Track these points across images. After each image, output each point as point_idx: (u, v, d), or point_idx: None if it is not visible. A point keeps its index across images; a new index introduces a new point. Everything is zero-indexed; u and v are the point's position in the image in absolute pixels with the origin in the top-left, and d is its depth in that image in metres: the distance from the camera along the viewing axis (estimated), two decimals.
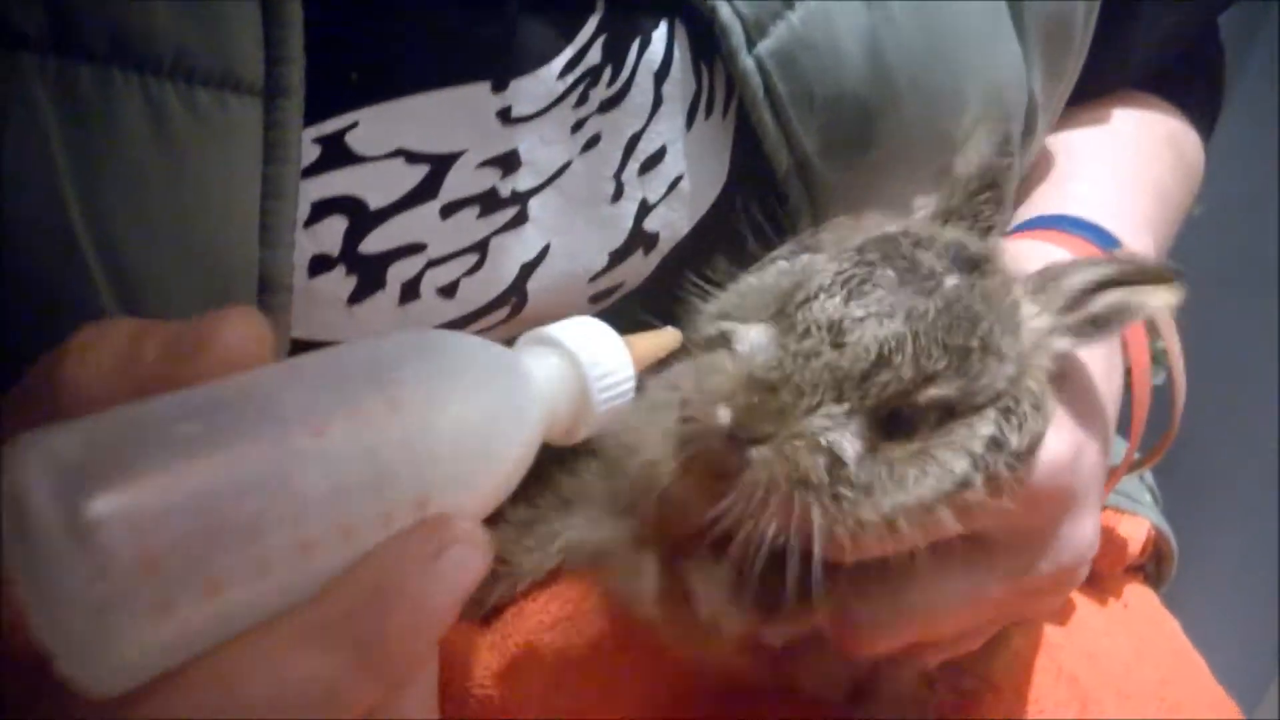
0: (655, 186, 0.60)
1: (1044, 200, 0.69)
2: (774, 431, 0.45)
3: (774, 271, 0.52)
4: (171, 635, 0.31)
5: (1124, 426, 0.64)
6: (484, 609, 0.68)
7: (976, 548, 0.51)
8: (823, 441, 0.45)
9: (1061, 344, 0.51)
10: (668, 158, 0.60)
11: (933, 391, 0.46)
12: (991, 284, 0.49)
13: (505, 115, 0.55)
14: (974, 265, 0.49)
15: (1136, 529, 0.76)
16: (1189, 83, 0.84)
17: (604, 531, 0.56)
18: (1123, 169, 0.73)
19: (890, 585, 0.51)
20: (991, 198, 0.54)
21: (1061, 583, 0.55)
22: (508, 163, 0.56)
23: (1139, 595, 0.77)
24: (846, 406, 0.45)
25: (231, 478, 0.32)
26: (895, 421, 0.46)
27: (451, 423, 0.36)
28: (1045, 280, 0.51)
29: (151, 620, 0.30)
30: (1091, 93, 0.74)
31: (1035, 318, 0.50)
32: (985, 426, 0.47)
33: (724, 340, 0.48)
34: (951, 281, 0.48)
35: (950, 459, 0.47)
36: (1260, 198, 1.29)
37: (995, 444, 0.47)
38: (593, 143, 0.58)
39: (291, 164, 0.49)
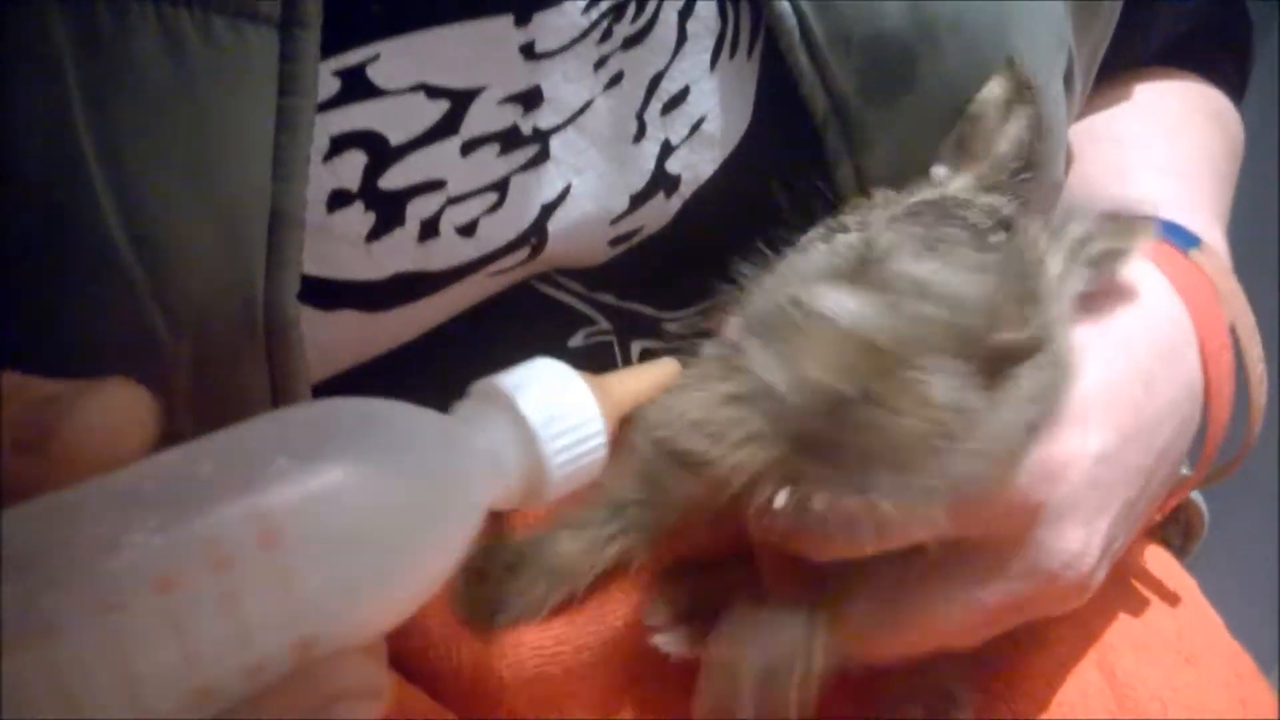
0: (678, 127, 0.60)
1: (1108, 196, 0.69)
2: (885, 390, 0.43)
3: (818, 253, 0.50)
4: None
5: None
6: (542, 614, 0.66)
7: (953, 556, 0.52)
8: (951, 400, 0.44)
9: (1076, 286, 0.52)
10: (691, 98, 0.59)
11: (1013, 339, 0.46)
12: (1027, 240, 0.50)
13: (528, 50, 0.54)
14: (1008, 226, 0.50)
15: None
16: (1218, 56, 0.83)
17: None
18: (1179, 155, 0.72)
19: (883, 593, 0.52)
20: (1031, 177, 0.55)
21: (1058, 593, 0.54)
22: (530, 99, 0.55)
23: (1155, 555, 0.77)
24: (969, 363, 0.44)
25: (46, 662, 0.26)
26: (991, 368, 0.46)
27: (343, 544, 0.30)
28: (1053, 232, 0.52)
29: None
30: (1123, 64, 0.73)
31: (1054, 267, 0.51)
32: (1047, 372, 0.48)
33: (797, 308, 0.45)
34: (998, 238, 0.48)
35: (1027, 394, 0.47)
36: (1261, 200, 1.27)
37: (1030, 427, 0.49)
38: (615, 80, 0.57)
39: (307, 97, 0.49)
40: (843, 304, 0.44)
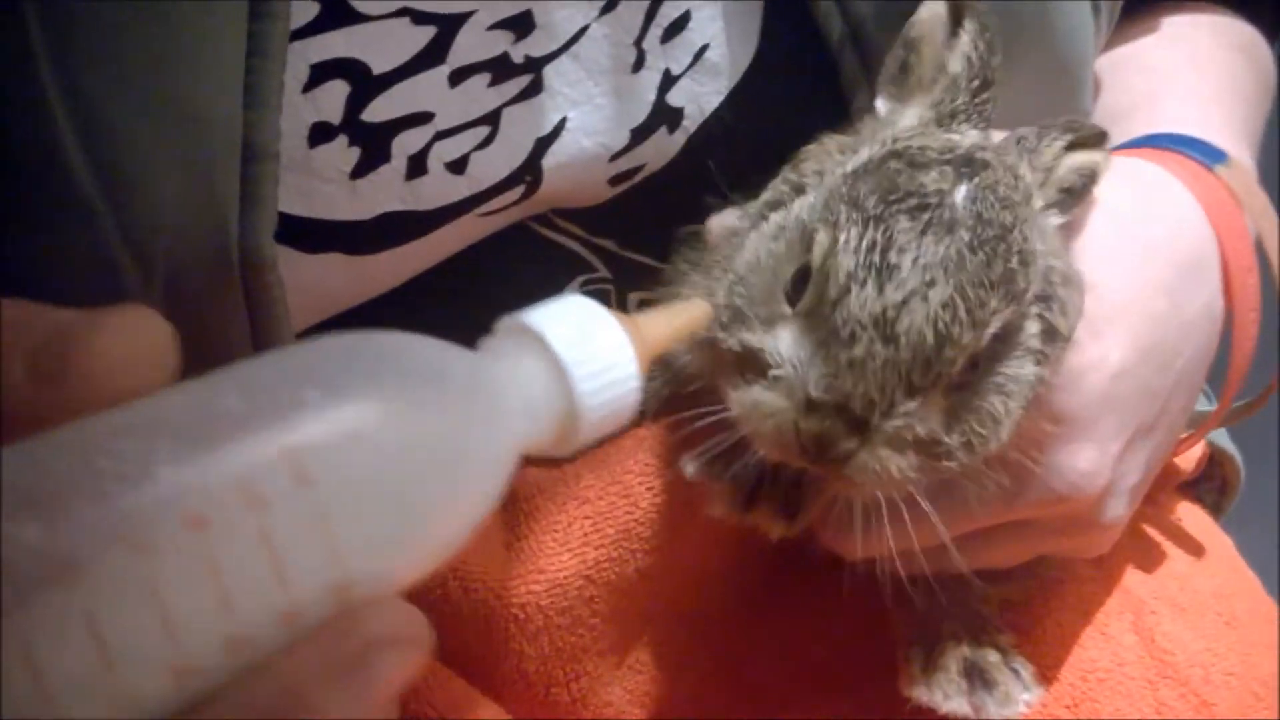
0: (679, 56, 0.56)
1: (1135, 122, 0.66)
2: (855, 449, 0.43)
3: (769, 233, 0.48)
4: None
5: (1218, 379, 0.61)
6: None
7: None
8: (909, 437, 0.43)
9: (1055, 220, 0.50)
10: (692, 24, 0.56)
11: (991, 330, 0.44)
12: (998, 177, 0.46)
13: None
14: (974, 164, 0.46)
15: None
16: None
17: None
18: (1207, 83, 0.70)
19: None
20: (991, 95, 0.50)
21: (1069, 514, 0.51)
22: (521, 25, 0.52)
23: (1191, 513, 0.73)
24: (920, 398, 0.43)
25: (75, 603, 0.24)
26: (964, 372, 0.45)
27: (381, 482, 0.28)
28: (1030, 156, 0.50)
29: None
30: None
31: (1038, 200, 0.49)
32: (1033, 325, 0.46)
33: (753, 359, 0.44)
34: (961, 195, 0.44)
35: (1019, 372, 0.46)
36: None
37: (1049, 335, 0.47)
38: (611, 5, 0.54)
39: (279, 20, 0.46)
40: (786, 356, 0.43)
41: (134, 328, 0.28)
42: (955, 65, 0.50)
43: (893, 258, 0.43)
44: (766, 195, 0.51)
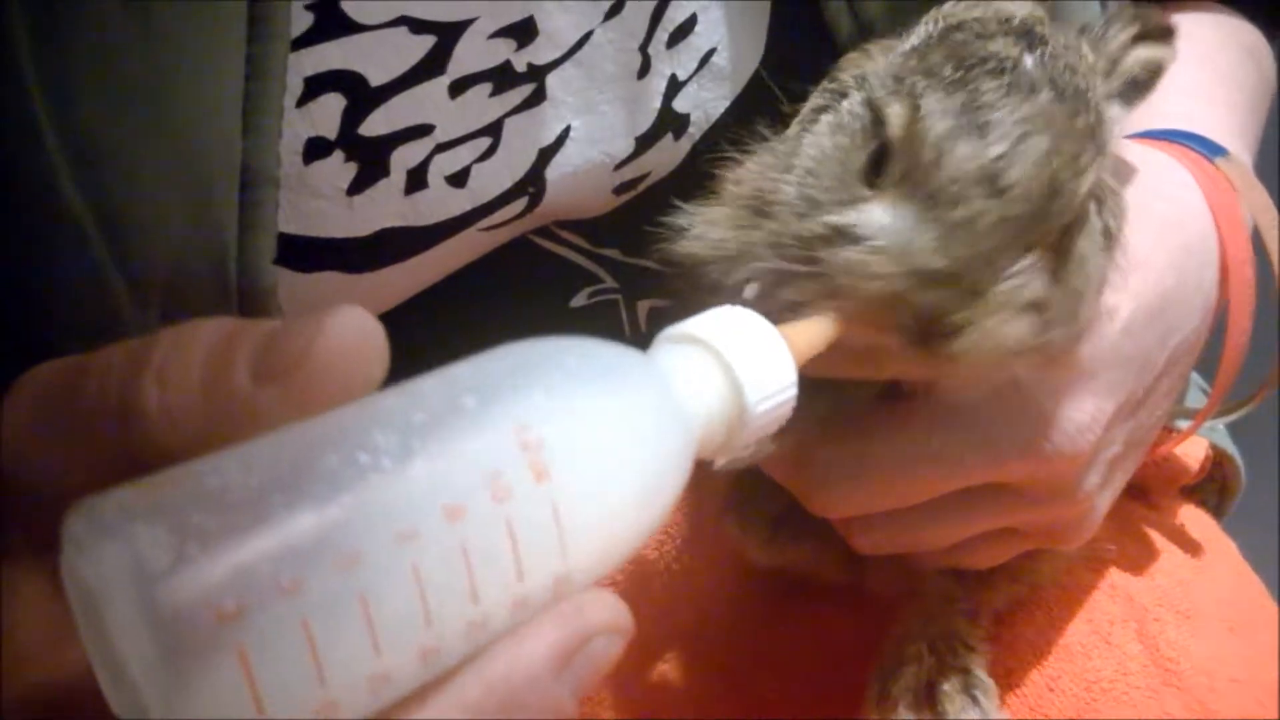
0: (685, 61, 0.55)
1: (1137, 116, 0.64)
2: (965, 319, 0.39)
3: (825, 131, 0.45)
4: None
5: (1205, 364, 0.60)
6: None
7: (951, 404, 0.47)
8: (1022, 300, 0.40)
9: (1116, 112, 0.47)
10: (699, 28, 0.54)
11: (1088, 182, 0.42)
12: (1062, 46, 0.44)
13: None
14: (1034, 35, 0.44)
15: (1193, 447, 0.71)
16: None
17: None
18: (1209, 80, 0.68)
19: (854, 433, 0.48)
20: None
21: (1057, 479, 0.49)
22: (523, 32, 0.50)
23: (1195, 517, 0.73)
24: (1035, 253, 0.41)
25: (350, 583, 0.26)
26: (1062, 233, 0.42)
27: (602, 481, 0.30)
28: (1093, 44, 0.47)
29: None
30: None
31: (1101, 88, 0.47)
32: (1094, 220, 0.44)
33: (841, 235, 0.41)
34: (1029, 60, 0.42)
35: (1094, 250, 0.44)
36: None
37: (1107, 233, 0.45)
38: (615, 10, 0.52)
39: (279, 40, 0.44)
40: (883, 226, 0.40)
41: (355, 326, 0.28)
42: None
43: (985, 115, 0.41)
44: (810, 104, 0.49)
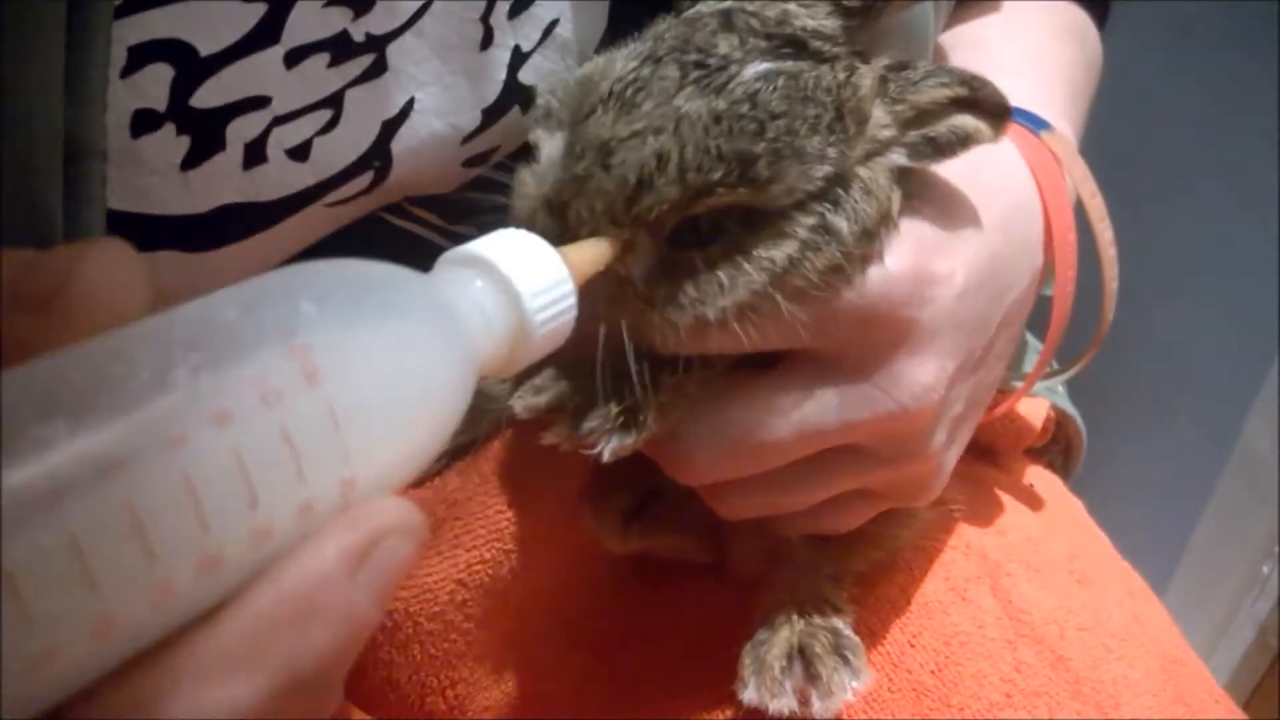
0: (528, 32, 0.54)
1: None
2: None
3: (604, 61, 0.48)
4: (55, 666, 0.25)
5: (1041, 329, 0.62)
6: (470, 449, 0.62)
7: (805, 370, 0.49)
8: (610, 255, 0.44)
9: (898, 159, 0.49)
10: (539, 0, 0.54)
11: (711, 201, 0.45)
12: (821, 73, 0.47)
13: None
14: (801, 46, 0.47)
15: (1036, 408, 0.74)
16: None
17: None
18: (1034, 62, 0.71)
19: (713, 401, 0.49)
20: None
21: (906, 438, 0.51)
22: (360, 1, 0.49)
23: (1042, 477, 0.76)
24: (625, 230, 0.45)
25: (116, 493, 0.26)
26: (691, 231, 0.45)
27: (377, 386, 0.31)
28: (900, 89, 0.49)
29: (31, 656, 0.25)
30: None
31: (882, 127, 0.49)
32: (808, 218, 0.47)
33: (534, 142, 0.47)
34: (751, 72, 0.45)
35: (766, 253, 0.46)
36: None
37: (823, 229, 0.47)
38: None
39: (102, 7, 0.42)
40: (545, 155, 0.47)
41: (115, 257, 0.28)
42: None
43: (640, 97, 0.45)
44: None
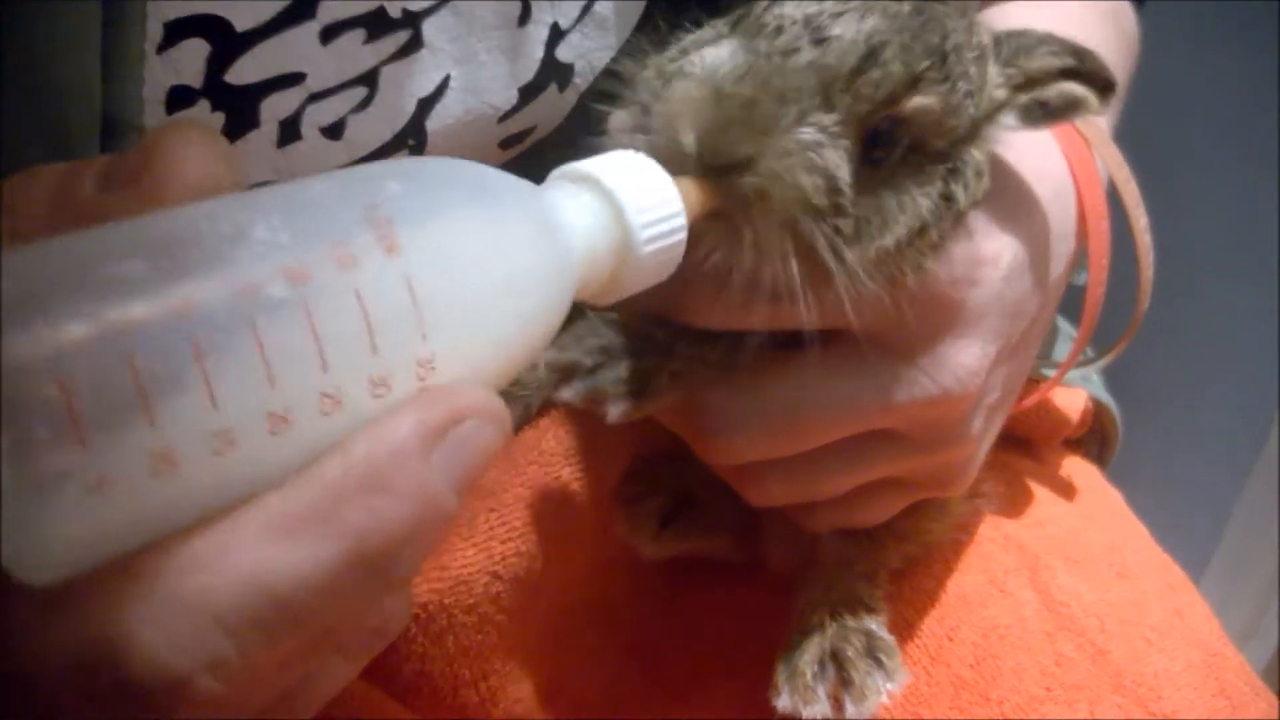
0: (567, 9, 0.53)
1: None
2: (755, 153, 0.39)
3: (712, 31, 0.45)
4: (115, 512, 0.25)
5: (1073, 316, 0.61)
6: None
7: (848, 349, 0.47)
8: (816, 159, 0.39)
9: (1010, 121, 0.48)
10: None
11: (918, 100, 0.42)
12: (952, 11, 0.45)
13: None
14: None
15: (1073, 399, 0.73)
16: None
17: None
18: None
19: (750, 378, 0.47)
20: None
21: (945, 423, 0.50)
22: None
23: (1080, 468, 0.75)
24: (837, 115, 0.40)
25: (182, 332, 0.26)
26: (871, 143, 0.42)
27: (463, 271, 0.30)
28: (1013, 53, 0.48)
29: (88, 489, 0.25)
30: None
31: (996, 87, 0.47)
32: (937, 181, 0.45)
33: (680, 73, 0.41)
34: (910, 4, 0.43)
35: (919, 195, 0.44)
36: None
37: (946, 199, 0.45)
38: None
39: None
40: (710, 55, 0.40)
41: (200, 134, 0.29)
42: None
43: None
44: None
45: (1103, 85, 0.48)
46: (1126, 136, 0.68)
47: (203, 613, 0.26)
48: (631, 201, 0.35)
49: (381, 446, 0.28)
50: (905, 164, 0.44)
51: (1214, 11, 1.26)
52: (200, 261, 0.26)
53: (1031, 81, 0.47)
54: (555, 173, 0.36)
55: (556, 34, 0.54)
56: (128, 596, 0.26)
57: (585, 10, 0.54)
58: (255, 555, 0.27)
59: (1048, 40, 0.48)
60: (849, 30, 0.40)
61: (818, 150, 0.40)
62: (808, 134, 0.40)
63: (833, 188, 0.40)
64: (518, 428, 0.61)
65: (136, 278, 0.26)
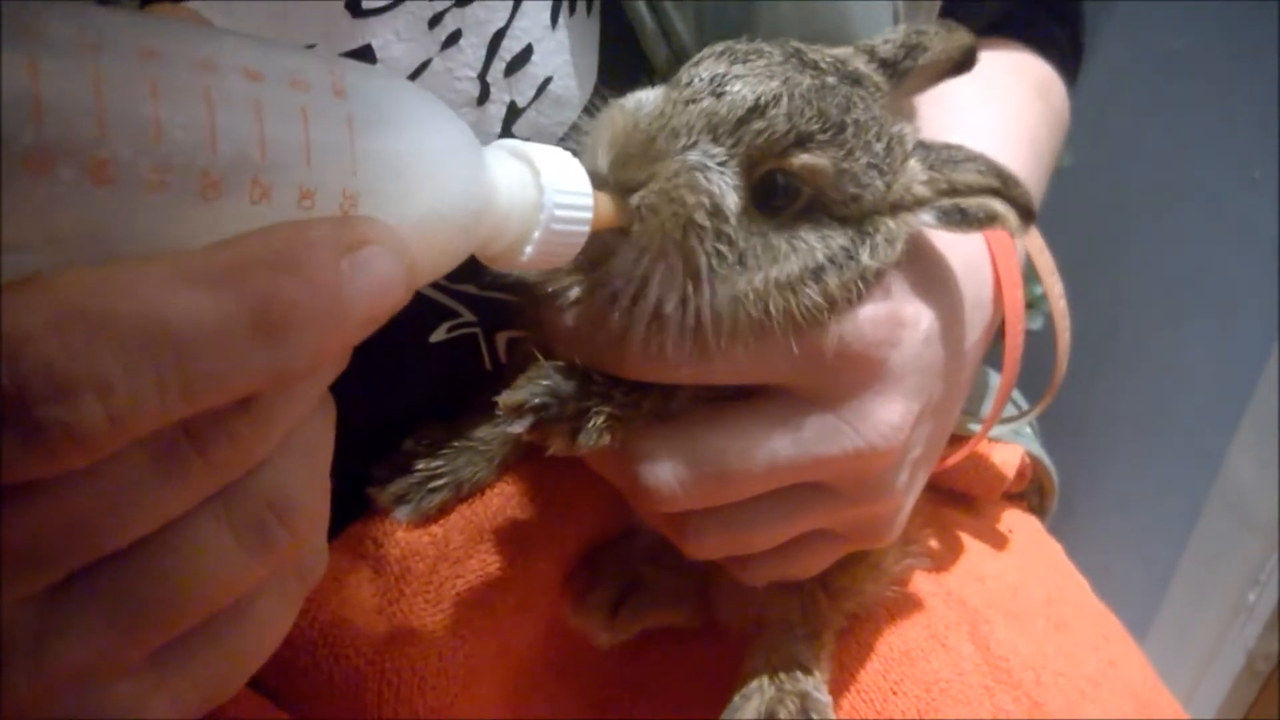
0: (523, 89, 0.55)
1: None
2: (650, 177, 0.45)
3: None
4: (44, 204, 0.27)
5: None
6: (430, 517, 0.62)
7: (779, 402, 0.50)
8: (701, 180, 0.45)
9: (928, 219, 0.51)
10: (535, 57, 0.55)
11: (806, 158, 0.47)
12: (876, 98, 0.50)
13: (355, 7, 0.49)
14: (857, 81, 0.50)
15: (1010, 455, 0.75)
16: (1050, 30, 0.83)
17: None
18: (997, 122, 0.72)
19: (680, 428, 0.50)
20: (911, 61, 0.55)
21: (871, 476, 0.52)
22: (361, 60, 0.50)
23: (1020, 521, 0.77)
24: (722, 151, 0.46)
25: (146, 71, 0.28)
26: (767, 191, 0.47)
27: (398, 141, 0.33)
28: (941, 161, 0.51)
29: (27, 176, 0.26)
30: None
31: (919, 184, 0.50)
32: (840, 237, 0.49)
33: (612, 105, 0.48)
34: (833, 80, 0.48)
35: (814, 242, 0.48)
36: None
37: (847, 253, 0.49)
38: (453, 39, 0.53)
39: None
40: (639, 97, 0.47)
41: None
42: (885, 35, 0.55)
43: (752, 57, 0.48)
44: None
45: (1022, 212, 0.51)
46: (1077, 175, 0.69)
47: (102, 330, 0.27)
48: (552, 181, 0.39)
49: (300, 236, 0.30)
50: (805, 217, 0.48)
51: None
52: (175, 39, 0.29)
53: (955, 191, 0.50)
54: (496, 142, 0.40)
55: (514, 112, 0.56)
56: (35, 304, 0.27)
57: (541, 90, 0.56)
58: (161, 291, 0.28)
59: (977, 159, 0.51)
60: (745, 89, 0.46)
61: (703, 171, 0.45)
62: (694, 157, 0.45)
63: (716, 210, 0.45)
64: (483, 482, 0.63)
65: (122, 23, 0.28)
